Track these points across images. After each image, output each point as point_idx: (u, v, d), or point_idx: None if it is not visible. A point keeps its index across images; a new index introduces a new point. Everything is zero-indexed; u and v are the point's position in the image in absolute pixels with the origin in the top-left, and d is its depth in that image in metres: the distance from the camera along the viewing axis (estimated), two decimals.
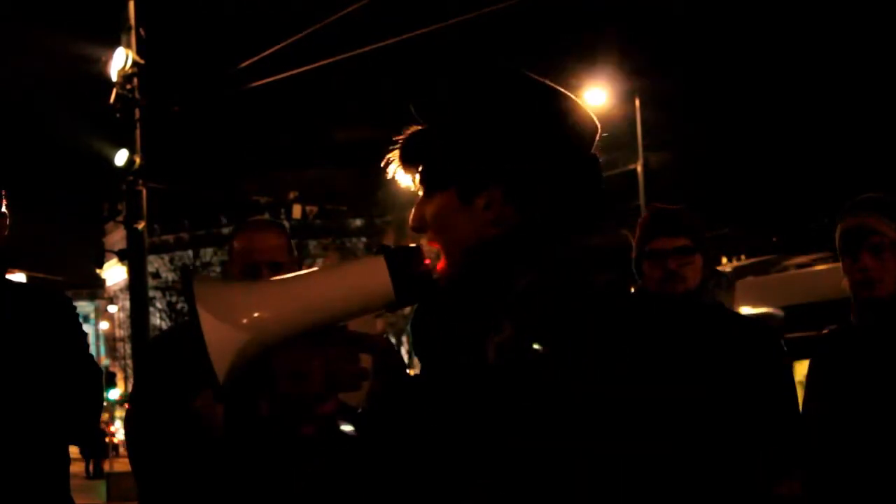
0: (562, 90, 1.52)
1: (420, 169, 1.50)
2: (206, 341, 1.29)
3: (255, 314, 1.34)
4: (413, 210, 1.52)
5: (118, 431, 37.14)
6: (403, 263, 1.42)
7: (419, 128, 1.52)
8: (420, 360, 1.48)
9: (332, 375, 1.39)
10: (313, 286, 1.41)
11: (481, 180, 1.44)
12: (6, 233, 2.96)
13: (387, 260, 1.41)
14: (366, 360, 1.41)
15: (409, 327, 1.54)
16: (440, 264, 1.46)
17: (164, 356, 3.09)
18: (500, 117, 1.46)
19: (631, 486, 1.31)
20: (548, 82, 1.52)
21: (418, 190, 1.51)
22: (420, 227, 1.50)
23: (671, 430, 1.34)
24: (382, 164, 1.54)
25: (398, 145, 1.52)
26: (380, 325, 1.45)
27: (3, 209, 2.96)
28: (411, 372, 1.55)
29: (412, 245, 1.46)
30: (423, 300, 1.48)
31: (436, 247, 1.47)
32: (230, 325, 1.32)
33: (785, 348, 3.00)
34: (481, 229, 1.44)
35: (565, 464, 1.29)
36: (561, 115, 1.48)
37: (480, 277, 1.42)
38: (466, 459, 1.31)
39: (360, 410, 1.42)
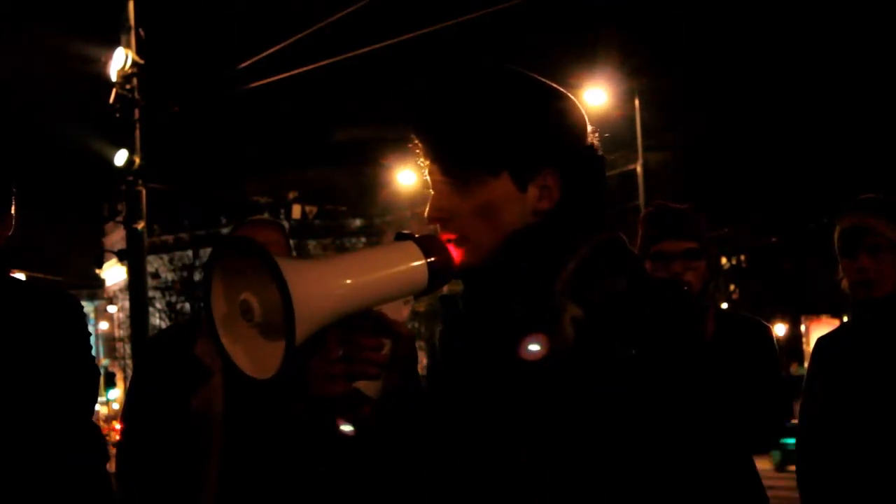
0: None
1: (453, 159, 1.47)
2: (294, 310, 1.23)
3: (340, 287, 1.31)
4: (433, 201, 1.48)
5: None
6: (435, 251, 1.41)
7: (454, 118, 1.49)
8: (482, 348, 1.46)
9: (355, 364, 1.37)
10: (368, 266, 1.37)
11: (536, 164, 1.46)
12: (10, 232, 2.95)
13: (420, 247, 1.40)
14: (386, 347, 1.39)
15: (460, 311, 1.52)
16: (460, 253, 1.45)
17: (162, 355, 3.09)
18: (544, 105, 1.48)
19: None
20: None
21: (448, 182, 1.48)
22: (443, 218, 1.48)
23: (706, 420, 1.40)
24: (396, 163, 1.53)
25: (429, 134, 1.50)
26: (405, 311, 1.43)
27: (12, 208, 2.95)
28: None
29: (431, 234, 1.45)
30: (483, 290, 1.48)
31: (450, 237, 1.46)
32: (318, 293, 1.28)
33: (777, 345, 3.06)
34: (526, 217, 1.46)
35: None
36: (572, 108, 1.52)
37: (532, 262, 1.43)
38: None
39: (377, 401, 1.40)
